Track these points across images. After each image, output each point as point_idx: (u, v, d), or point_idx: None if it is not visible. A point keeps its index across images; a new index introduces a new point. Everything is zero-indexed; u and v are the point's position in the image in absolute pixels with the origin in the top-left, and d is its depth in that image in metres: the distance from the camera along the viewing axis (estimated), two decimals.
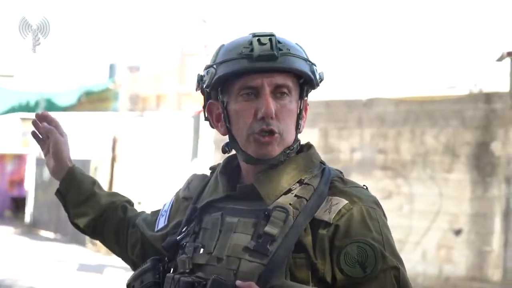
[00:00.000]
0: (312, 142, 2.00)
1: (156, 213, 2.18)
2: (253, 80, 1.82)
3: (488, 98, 10.12)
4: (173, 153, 15.26)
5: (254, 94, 1.83)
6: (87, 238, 13.00)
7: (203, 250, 1.85)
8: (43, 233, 17.37)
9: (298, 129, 1.88)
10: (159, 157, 15.55)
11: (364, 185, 1.91)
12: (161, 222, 2.10)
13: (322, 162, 1.92)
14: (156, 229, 2.10)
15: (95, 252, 14.06)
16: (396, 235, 1.87)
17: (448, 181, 10.25)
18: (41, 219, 18.01)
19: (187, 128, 15.14)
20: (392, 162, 10.73)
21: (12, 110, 24.45)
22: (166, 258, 1.96)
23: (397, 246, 1.84)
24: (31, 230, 17.93)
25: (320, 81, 1.91)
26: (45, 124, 2.24)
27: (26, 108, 24.11)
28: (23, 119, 21.63)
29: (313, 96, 1.96)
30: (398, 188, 10.60)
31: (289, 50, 1.83)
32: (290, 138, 1.86)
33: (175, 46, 23.88)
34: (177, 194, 2.12)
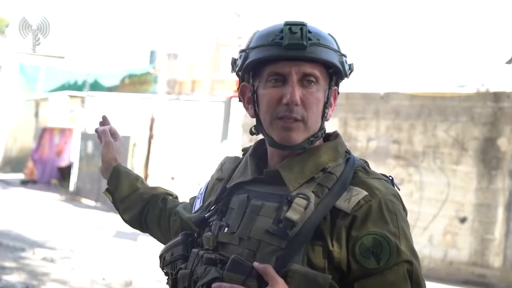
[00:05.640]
0: (336, 130, 1.91)
1: (194, 198, 2.13)
2: (281, 68, 1.74)
3: (496, 97, 9.99)
4: (205, 134, 15.25)
5: (281, 81, 1.74)
6: None
7: (227, 230, 1.78)
8: (85, 201, 17.46)
9: (324, 117, 1.79)
10: (192, 137, 15.54)
11: (390, 176, 1.82)
12: (197, 204, 2.04)
13: (347, 152, 1.84)
14: (193, 212, 2.05)
15: None
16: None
17: (456, 172, 10.15)
18: (84, 188, 18.09)
19: (219, 112, 15.13)
20: (404, 152, 10.65)
21: (62, 88, 24.61)
22: (195, 234, 1.89)
23: None
24: (74, 198, 18.03)
25: (350, 72, 1.82)
26: (100, 127, 2.34)
27: (74, 87, 24.26)
28: (71, 96, 21.71)
29: None
30: (409, 176, 10.52)
31: (319, 40, 1.74)
32: (315, 126, 1.77)
33: (211, 37, 23.83)
34: (212, 177, 2.06)
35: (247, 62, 1.78)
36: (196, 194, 2.11)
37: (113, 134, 2.33)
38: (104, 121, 2.36)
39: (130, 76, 25.55)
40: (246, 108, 1.86)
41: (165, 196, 2.26)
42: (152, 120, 16.10)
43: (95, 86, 23.49)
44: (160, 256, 1.93)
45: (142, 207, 2.24)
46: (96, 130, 2.36)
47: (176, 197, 2.29)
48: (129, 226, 2.36)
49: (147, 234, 2.33)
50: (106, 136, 2.30)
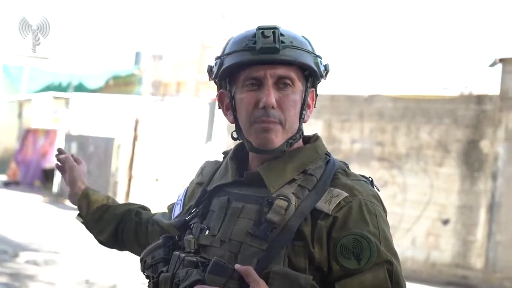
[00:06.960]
0: (316, 133, 1.91)
1: (172, 205, 2.12)
2: (256, 72, 1.74)
3: (479, 99, 10.06)
4: (189, 136, 15.23)
5: (257, 85, 1.75)
6: None
7: (208, 232, 1.78)
8: (69, 202, 17.38)
9: (301, 119, 1.79)
10: (176, 138, 15.52)
11: (369, 177, 1.83)
12: (177, 210, 2.03)
13: (327, 154, 1.84)
14: (173, 218, 2.03)
15: None
16: (388, 222, 1.78)
17: (439, 174, 10.21)
18: (67, 190, 18.02)
19: (203, 114, 15.11)
20: (388, 154, 10.69)
21: (46, 89, 24.51)
22: (176, 237, 1.89)
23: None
24: (58, 199, 17.95)
25: (326, 73, 1.82)
26: (62, 155, 2.33)
27: (58, 88, 24.17)
28: (56, 97, 21.62)
29: (319, 90, 1.86)
30: (392, 178, 10.56)
31: (292, 42, 1.75)
32: (293, 128, 1.77)
33: (196, 38, 23.80)
34: (191, 182, 2.05)
35: (222, 68, 1.78)
36: (177, 198, 2.10)
37: (75, 159, 2.34)
38: (61, 152, 2.36)
39: (115, 77, 25.50)
40: (225, 115, 1.86)
41: (138, 209, 2.24)
42: (137, 122, 16.07)
43: (80, 88, 23.42)
44: (141, 260, 1.93)
45: (117, 223, 2.22)
46: (57, 159, 2.35)
47: (149, 210, 2.27)
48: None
49: (126, 251, 2.30)
50: (69, 161, 2.31)
